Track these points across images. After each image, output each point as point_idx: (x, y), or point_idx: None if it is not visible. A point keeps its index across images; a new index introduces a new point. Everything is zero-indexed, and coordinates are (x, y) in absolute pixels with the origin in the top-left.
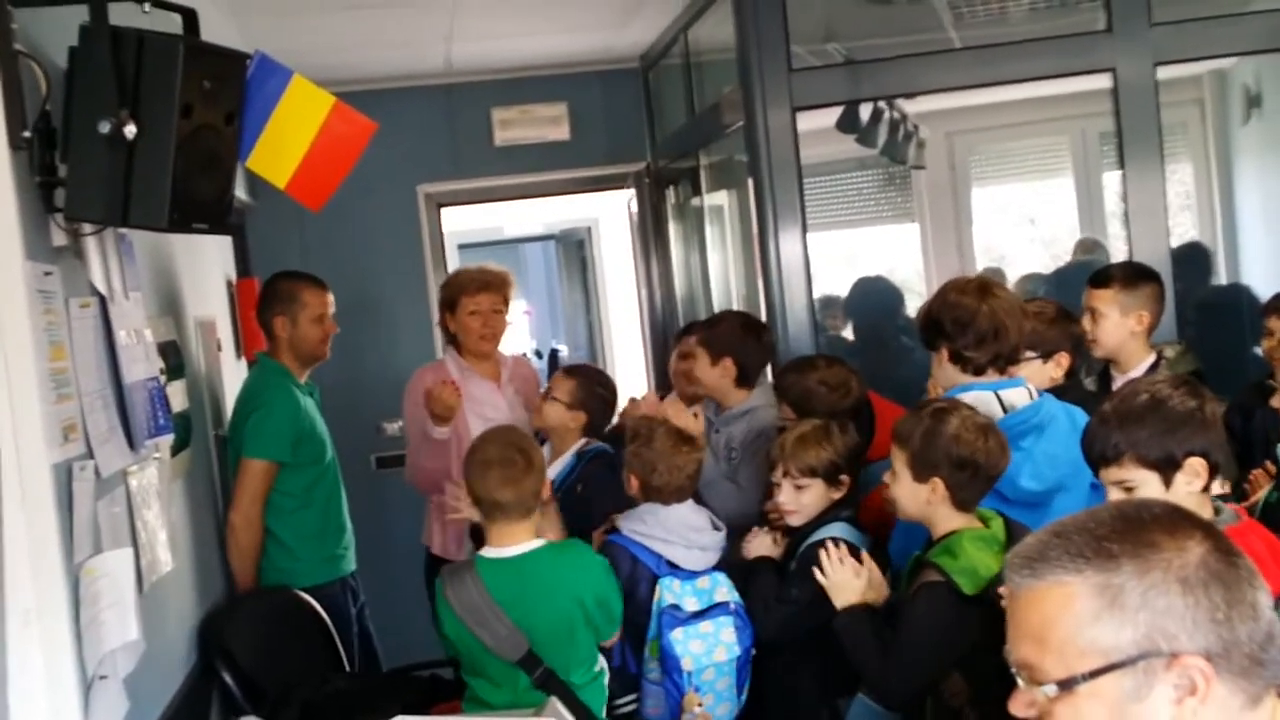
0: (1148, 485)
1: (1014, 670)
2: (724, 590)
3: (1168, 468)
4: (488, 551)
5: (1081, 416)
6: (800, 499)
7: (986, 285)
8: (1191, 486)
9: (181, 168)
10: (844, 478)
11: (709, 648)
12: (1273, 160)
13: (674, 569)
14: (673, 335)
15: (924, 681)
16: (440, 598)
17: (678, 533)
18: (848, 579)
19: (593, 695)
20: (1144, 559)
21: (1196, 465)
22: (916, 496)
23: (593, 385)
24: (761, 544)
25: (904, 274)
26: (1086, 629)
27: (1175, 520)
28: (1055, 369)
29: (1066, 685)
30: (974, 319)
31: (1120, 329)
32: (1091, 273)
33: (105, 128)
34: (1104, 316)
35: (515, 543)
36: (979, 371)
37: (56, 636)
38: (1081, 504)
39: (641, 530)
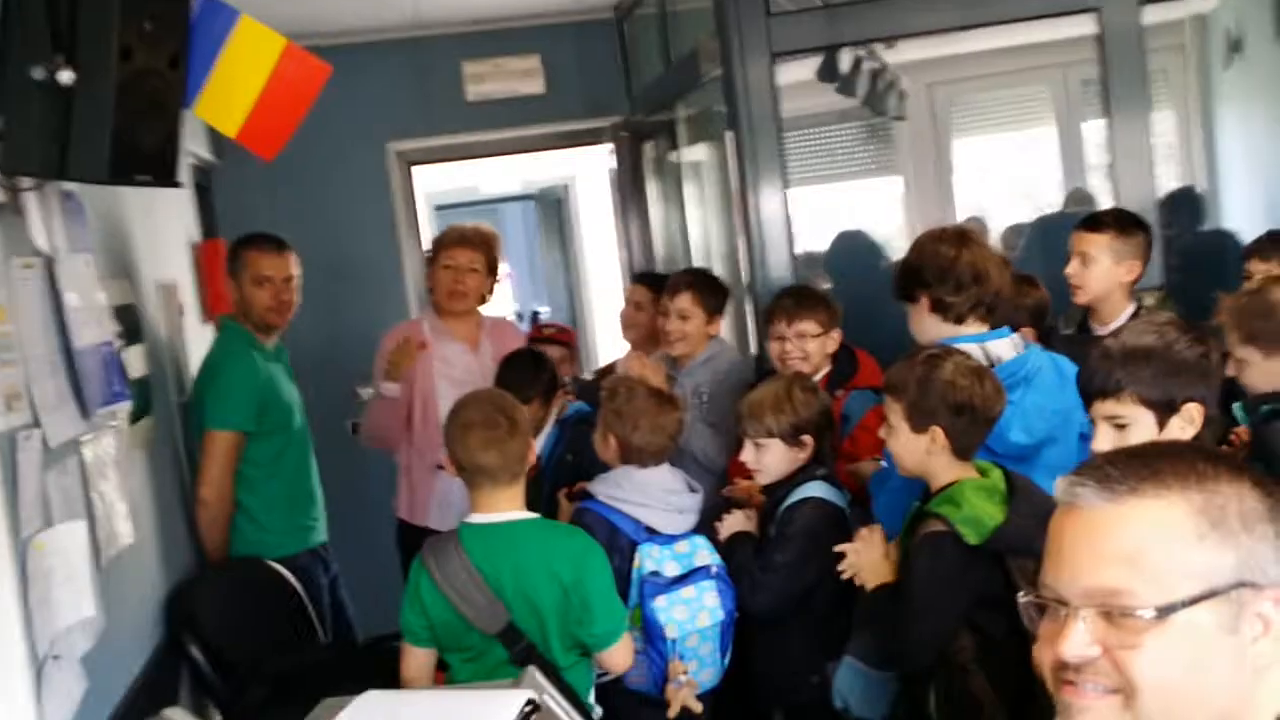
0: (1141, 424)
1: (1066, 603)
2: (704, 554)
3: (1165, 410)
4: (472, 518)
5: (1068, 365)
6: (761, 458)
7: (964, 233)
8: (1184, 432)
9: (123, 116)
10: (805, 438)
11: (692, 613)
12: (1255, 105)
13: (652, 535)
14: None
15: (940, 636)
16: (420, 570)
17: (655, 496)
18: (878, 559)
19: (578, 676)
20: (1236, 484)
21: (1193, 411)
22: (915, 447)
23: (539, 381)
24: (735, 521)
25: (886, 228)
26: (1189, 550)
27: (1225, 458)
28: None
29: (1166, 611)
30: (954, 265)
31: (1109, 276)
32: (1082, 217)
33: (39, 74)
34: (1095, 261)
35: (500, 510)
36: (960, 320)
37: (3, 616)
38: (1071, 455)
39: (618, 495)
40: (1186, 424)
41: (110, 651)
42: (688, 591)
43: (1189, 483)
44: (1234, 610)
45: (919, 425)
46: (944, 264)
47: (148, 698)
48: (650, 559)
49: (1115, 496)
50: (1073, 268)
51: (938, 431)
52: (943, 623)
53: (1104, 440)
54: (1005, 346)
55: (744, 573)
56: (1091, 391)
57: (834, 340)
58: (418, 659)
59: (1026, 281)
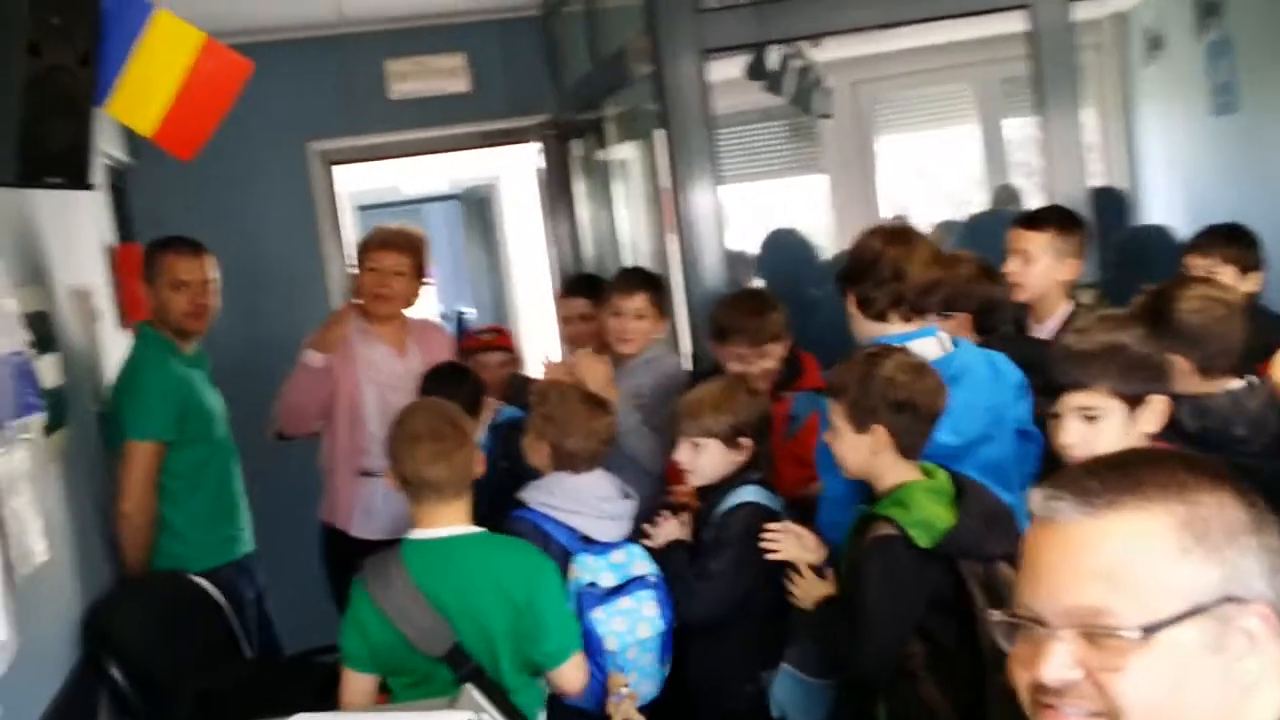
0: (1112, 415)
1: (1044, 623)
2: (642, 563)
3: (1136, 402)
4: (415, 533)
5: (1002, 360)
6: (697, 459)
7: (898, 230)
8: (1151, 425)
9: (30, 115)
10: (743, 440)
11: (631, 624)
12: (1175, 102)
13: (588, 543)
14: (557, 296)
15: (896, 644)
16: (359, 589)
17: (588, 503)
18: (815, 586)
19: (529, 699)
20: (1217, 494)
21: (1160, 404)
22: (859, 448)
23: (461, 394)
24: (669, 529)
25: (812, 226)
26: (1172, 566)
27: (1205, 465)
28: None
29: (1151, 630)
30: (876, 261)
31: (1050, 274)
32: (1019, 215)
33: None
34: (1036, 260)
35: (445, 524)
36: (881, 316)
37: None
38: (1009, 453)
39: (550, 502)
40: (1153, 417)
41: (25, 674)
42: (625, 602)
43: (1170, 494)
44: (1219, 627)
45: (861, 425)
46: (868, 259)
47: None
48: (586, 569)
49: (1094, 510)
50: (1013, 265)
51: (880, 430)
52: (898, 630)
53: (1072, 433)
54: (929, 346)
55: (680, 580)
56: (1063, 385)
57: (786, 348)
58: (360, 685)
59: (988, 275)
